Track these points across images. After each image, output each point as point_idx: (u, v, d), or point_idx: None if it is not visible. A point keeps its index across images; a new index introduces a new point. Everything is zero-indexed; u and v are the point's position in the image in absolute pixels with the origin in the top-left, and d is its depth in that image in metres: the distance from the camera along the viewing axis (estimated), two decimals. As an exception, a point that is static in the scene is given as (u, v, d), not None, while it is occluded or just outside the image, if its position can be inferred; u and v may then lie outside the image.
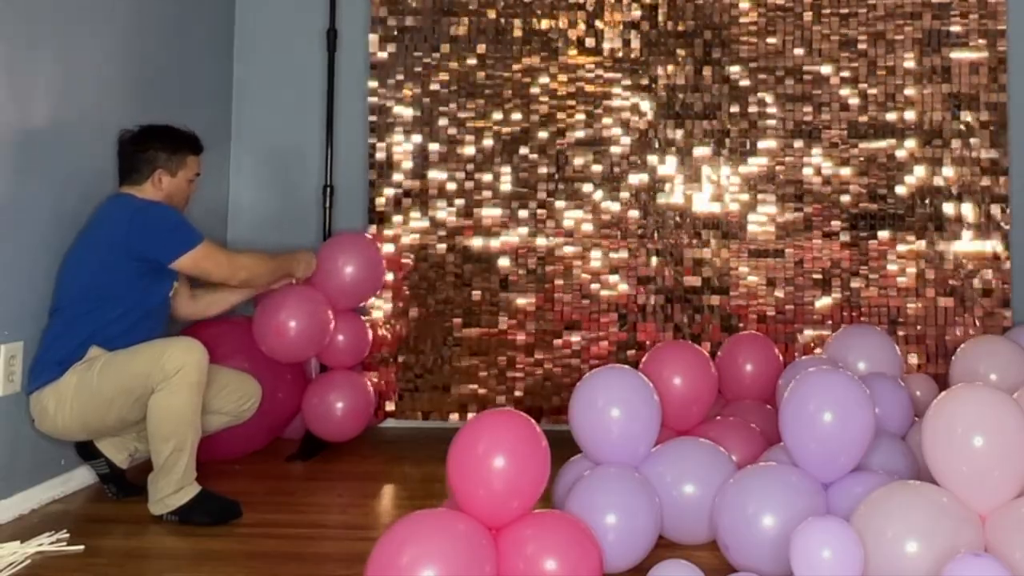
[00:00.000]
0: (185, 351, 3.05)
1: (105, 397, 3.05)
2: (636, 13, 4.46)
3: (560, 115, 4.44)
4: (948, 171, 4.34)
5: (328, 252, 4.00)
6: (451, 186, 4.42)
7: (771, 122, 4.40)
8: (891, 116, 4.38)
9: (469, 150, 4.44)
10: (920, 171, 4.35)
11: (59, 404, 3.06)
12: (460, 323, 4.37)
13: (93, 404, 3.06)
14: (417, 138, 4.44)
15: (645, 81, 4.44)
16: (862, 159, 4.37)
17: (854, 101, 4.39)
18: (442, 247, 4.40)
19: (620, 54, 4.46)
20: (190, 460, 3.07)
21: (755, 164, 4.39)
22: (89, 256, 3.18)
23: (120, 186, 3.36)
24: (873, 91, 4.39)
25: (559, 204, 4.41)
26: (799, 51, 4.42)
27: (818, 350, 4.18)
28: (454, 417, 4.30)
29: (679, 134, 4.41)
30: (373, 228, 4.38)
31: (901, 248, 4.33)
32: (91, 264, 3.17)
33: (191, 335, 3.74)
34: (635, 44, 4.46)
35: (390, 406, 4.34)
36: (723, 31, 4.44)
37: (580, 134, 4.43)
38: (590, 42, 4.46)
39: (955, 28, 4.38)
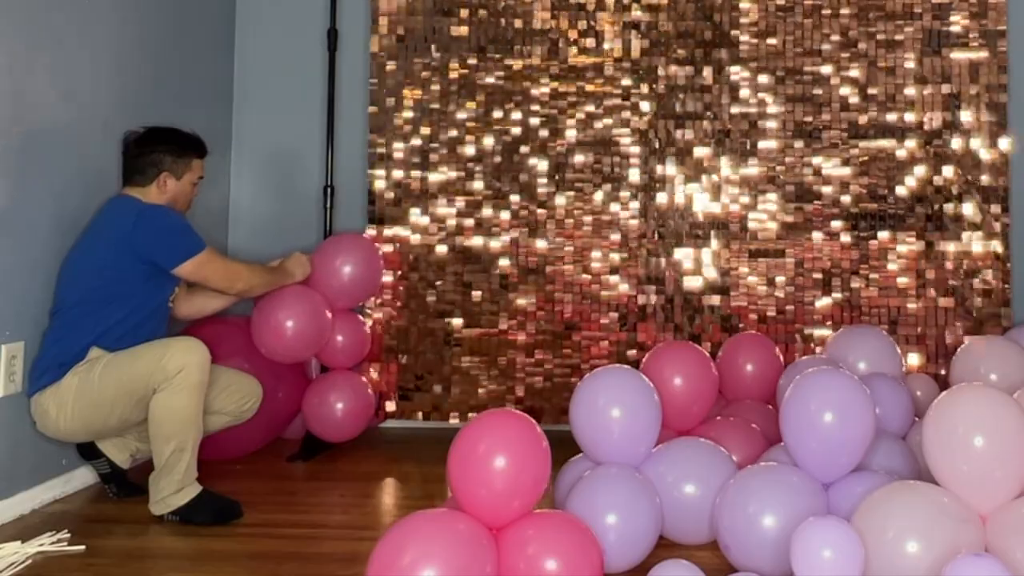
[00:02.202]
0: (187, 351, 3.05)
1: (107, 398, 3.05)
2: (636, 13, 4.46)
3: (560, 115, 4.44)
4: (948, 171, 4.34)
5: (326, 252, 4.00)
6: (451, 186, 4.42)
7: (771, 122, 4.41)
8: (891, 116, 4.38)
9: (469, 150, 4.44)
10: (920, 171, 4.36)
11: (60, 406, 3.06)
12: (460, 323, 4.38)
13: (95, 406, 3.06)
14: (417, 138, 4.44)
15: (645, 81, 4.44)
16: (862, 159, 4.37)
17: (854, 101, 4.39)
18: (442, 247, 4.41)
19: (620, 54, 4.46)
20: (191, 460, 3.07)
21: (755, 164, 4.39)
22: (92, 258, 3.18)
23: (124, 187, 3.36)
24: (873, 91, 4.39)
25: (559, 204, 4.41)
26: (799, 51, 4.42)
27: (819, 350, 4.18)
28: (454, 417, 4.31)
29: (679, 134, 4.42)
30: (373, 228, 4.39)
31: (901, 248, 4.33)
32: (94, 266, 3.16)
33: (192, 335, 3.75)
34: (635, 44, 4.46)
35: (390, 406, 4.35)
36: (723, 31, 4.45)
37: (580, 134, 4.43)
38: (590, 42, 4.47)
39: (955, 28, 4.39)
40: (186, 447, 3.04)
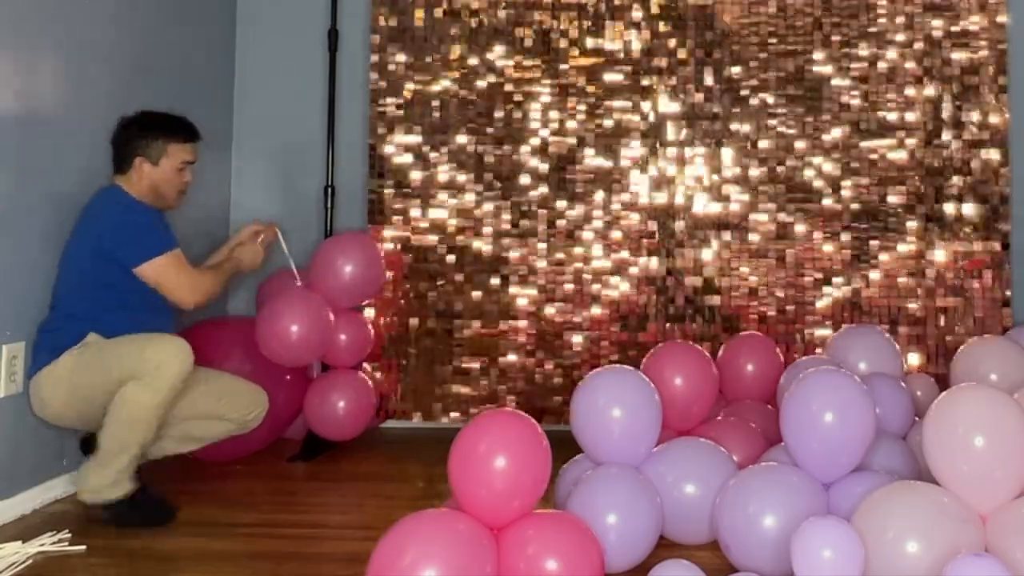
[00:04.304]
0: (168, 351, 2.98)
1: (94, 382, 3.01)
2: (637, 14, 4.46)
3: (560, 115, 4.44)
4: (948, 171, 4.34)
5: (327, 251, 4.00)
6: (451, 186, 4.43)
7: (771, 122, 4.41)
8: (891, 116, 4.38)
9: (469, 150, 4.44)
10: (920, 171, 4.36)
11: (54, 387, 3.05)
12: (460, 323, 4.38)
13: (86, 387, 3.02)
14: (417, 138, 4.45)
15: (645, 81, 4.44)
16: (862, 159, 4.38)
17: (854, 101, 4.39)
18: (442, 247, 4.41)
19: (621, 54, 4.46)
20: (132, 461, 3.01)
21: (755, 164, 4.39)
22: (81, 248, 3.16)
23: (112, 176, 3.35)
24: (873, 91, 4.39)
25: (559, 204, 4.41)
26: (800, 51, 4.42)
27: (819, 350, 4.18)
28: (455, 417, 4.31)
29: (679, 134, 4.42)
30: (373, 228, 4.39)
31: (901, 248, 4.34)
32: (81, 254, 3.15)
33: (194, 335, 3.74)
34: (635, 44, 4.46)
35: (391, 406, 4.35)
36: (724, 31, 4.45)
37: (580, 134, 4.43)
38: (591, 42, 4.47)
39: (955, 28, 4.39)
40: (131, 446, 2.98)
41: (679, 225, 4.38)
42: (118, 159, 3.32)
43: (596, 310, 4.37)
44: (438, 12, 4.48)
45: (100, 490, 3.00)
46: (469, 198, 4.42)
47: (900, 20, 4.41)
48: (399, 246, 4.39)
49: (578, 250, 4.39)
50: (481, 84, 4.46)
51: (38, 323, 3.17)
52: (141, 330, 3.13)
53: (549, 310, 4.37)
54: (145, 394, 2.96)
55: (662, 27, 4.45)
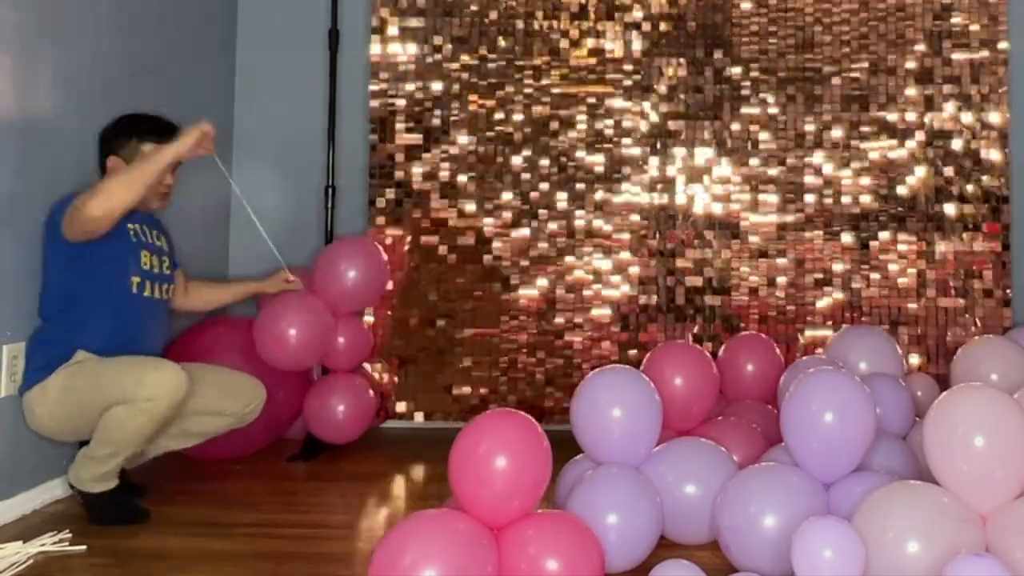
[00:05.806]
0: (164, 385, 2.97)
1: (87, 401, 3.01)
2: (637, 14, 4.47)
3: (561, 115, 4.44)
4: (948, 171, 4.35)
5: (330, 257, 3.98)
6: (452, 186, 4.43)
7: (771, 122, 4.41)
8: (891, 116, 4.38)
9: (470, 150, 4.44)
10: (920, 171, 4.36)
11: (44, 404, 3.05)
12: (460, 323, 4.38)
13: (77, 405, 3.02)
14: (418, 138, 4.45)
15: (645, 81, 4.45)
16: (862, 159, 4.38)
17: (854, 101, 4.39)
18: (443, 247, 4.41)
19: (621, 54, 4.46)
20: (119, 463, 3.08)
21: (755, 164, 4.40)
22: (46, 257, 3.16)
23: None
24: (873, 91, 4.39)
25: (560, 204, 4.41)
26: (799, 51, 4.42)
27: (819, 350, 4.18)
28: (455, 417, 4.30)
29: (679, 134, 4.42)
30: (374, 228, 4.39)
31: (901, 248, 4.34)
32: (55, 250, 3.13)
33: (193, 335, 3.74)
34: (636, 44, 4.46)
35: (391, 406, 4.35)
36: (723, 31, 4.45)
37: (581, 134, 4.43)
38: (591, 42, 4.47)
39: (955, 28, 4.39)
40: (119, 454, 3.05)
41: (679, 225, 4.38)
42: (99, 162, 3.32)
43: (596, 310, 4.37)
44: (438, 12, 4.48)
45: (85, 481, 3.06)
46: (469, 198, 4.42)
47: (900, 20, 4.41)
48: (399, 246, 4.39)
49: (579, 250, 4.39)
50: (481, 84, 4.46)
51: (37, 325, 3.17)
52: (129, 342, 3.14)
53: (549, 310, 4.37)
54: (134, 421, 2.97)
55: (663, 27, 4.46)
